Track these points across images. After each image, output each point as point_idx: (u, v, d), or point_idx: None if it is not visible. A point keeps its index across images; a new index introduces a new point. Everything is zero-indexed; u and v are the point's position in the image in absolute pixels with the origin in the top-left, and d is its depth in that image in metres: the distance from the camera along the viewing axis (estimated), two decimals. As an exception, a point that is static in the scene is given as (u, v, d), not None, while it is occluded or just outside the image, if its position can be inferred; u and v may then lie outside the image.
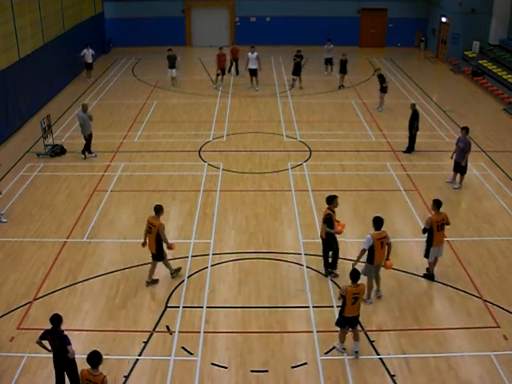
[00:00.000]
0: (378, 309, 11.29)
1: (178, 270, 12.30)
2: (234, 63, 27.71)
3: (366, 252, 11.14)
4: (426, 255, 12.07)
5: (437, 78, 28.90)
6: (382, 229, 11.12)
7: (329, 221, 11.73)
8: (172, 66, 25.54)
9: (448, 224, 12.03)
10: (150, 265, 11.98)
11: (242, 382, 9.52)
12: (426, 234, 11.87)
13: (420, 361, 9.96)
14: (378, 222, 11.10)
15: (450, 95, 25.67)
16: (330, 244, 12.07)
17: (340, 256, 12.79)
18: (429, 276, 12.22)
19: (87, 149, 18.22)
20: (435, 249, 11.92)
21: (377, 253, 11.06)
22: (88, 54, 26.89)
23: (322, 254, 12.33)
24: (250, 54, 25.31)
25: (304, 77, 26.48)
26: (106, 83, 27.17)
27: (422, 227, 12.20)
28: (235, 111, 23.06)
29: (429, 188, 16.28)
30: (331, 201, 11.86)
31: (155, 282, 12.00)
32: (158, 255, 11.78)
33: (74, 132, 20.56)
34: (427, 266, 12.25)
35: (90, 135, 18.17)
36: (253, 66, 25.28)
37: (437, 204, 11.85)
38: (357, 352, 10.04)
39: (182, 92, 25.64)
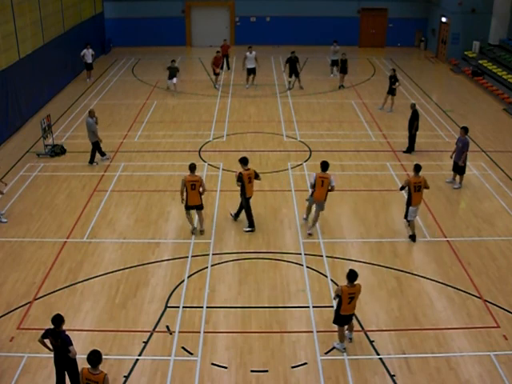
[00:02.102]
0: (378, 309, 11.29)
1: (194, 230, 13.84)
2: (224, 59, 28.14)
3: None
4: (406, 216, 13.60)
5: (437, 78, 28.91)
6: (327, 172, 13.45)
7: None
8: (172, 76, 24.85)
9: (427, 187, 13.60)
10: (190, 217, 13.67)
11: (242, 382, 9.52)
12: (406, 197, 13.60)
13: (420, 361, 9.97)
14: (323, 165, 13.45)
15: (449, 95, 25.67)
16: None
17: (340, 256, 12.90)
18: (412, 237, 13.59)
19: (100, 152, 17.88)
20: (414, 209, 13.43)
21: (317, 189, 13.37)
22: (88, 54, 26.85)
23: (246, 212, 14.01)
24: (248, 53, 25.64)
25: (304, 76, 26.48)
26: (106, 83, 27.16)
27: (401, 185, 13.85)
28: (235, 111, 23.06)
29: (429, 188, 16.26)
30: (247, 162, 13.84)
31: (202, 232, 13.82)
32: (201, 204, 13.66)
33: (74, 132, 20.57)
34: (411, 231, 13.64)
35: (97, 141, 17.80)
36: (252, 65, 25.68)
37: (416, 168, 13.50)
38: (351, 338, 10.35)
39: (182, 92, 25.63)
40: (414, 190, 13.33)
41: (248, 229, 13.99)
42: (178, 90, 25.28)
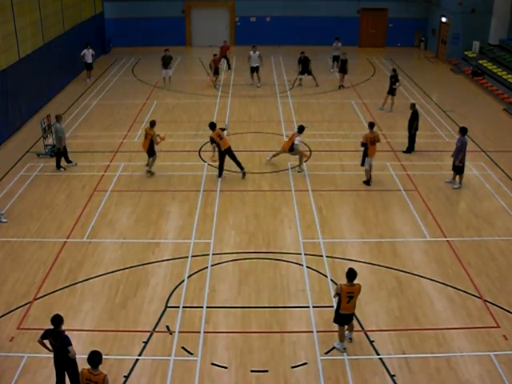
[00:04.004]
0: (378, 309, 11.30)
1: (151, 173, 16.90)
2: (224, 60, 28.60)
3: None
4: (362, 164, 16.26)
5: (437, 78, 28.90)
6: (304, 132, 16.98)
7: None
8: (167, 65, 25.81)
9: (378, 141, 16.31)
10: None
11: (242, 382, 9.52)
12: (363, 150, 16.12)
13: (420, 361, 9.97)
14: (300, 128, 16.83)
15: (449, 95, 25.66)
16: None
17: (340, 256, 12.91)
18: (367, 182, 16.34)
19: (66, 159, 17.55)
20: (369, 159, 16.05)
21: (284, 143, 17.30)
22: (88, 54, 26.87)
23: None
24: (251, 52, 25.98)
25: (305, 76, 26.45)
26: (106, 83, 27.16)
27: (361, 142, 16.16)
28: (235, 111, 23.06)
29: (429, 188, 16.29)
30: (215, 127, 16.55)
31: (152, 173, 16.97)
32: (151, 153, 16.85)
33: (74, 132, 20.57)
34: (365, 177, 16.43)
35: (65, 146, 17.47)
36: (255, 64, 26.07)
37: (370, 124, 16.35)
38: (351, 338, 10.35)
39: (182, 92, 25.64)
40: (371, 143, 15.91)
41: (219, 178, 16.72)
42: (177, 86, 25.38)
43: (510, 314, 11.14)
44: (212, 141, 16.64)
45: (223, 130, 17.28)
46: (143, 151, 17.79)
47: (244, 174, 16.80)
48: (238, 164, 16.76)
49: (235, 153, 16.79)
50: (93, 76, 27.68)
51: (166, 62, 25.76)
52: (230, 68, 29.32)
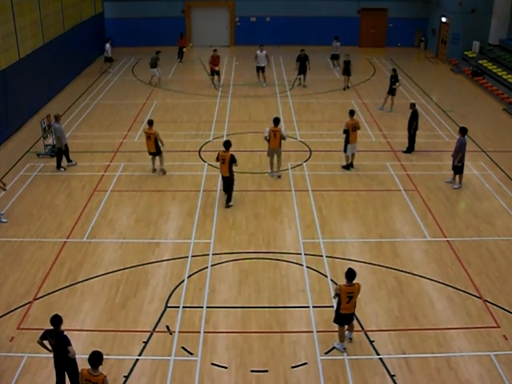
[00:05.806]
0: (378, 309, 11.30)
1: (163, 171, 17.07)
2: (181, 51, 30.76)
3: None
4: (345, 150, 17.04)
5: (437, 78, 28.89)
6: (279, 126, 16.42)
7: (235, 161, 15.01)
8: (154, 65, 26.29)
9: (359, 128, 17.09)
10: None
11: (242, 382, 9.53)
12: (345, 135, 16.84)
13: (420, 361, 9.97)
14: (275, 121, 16.34)
15: (449, 95, 25.66)
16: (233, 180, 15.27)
17: (340, 256, 12.91)
18: (347, 167, 17.18)
19: (67, 158, 17.57)
20: (351, 145, 16.87)
21: (271, 140, 16.32)
22: (109, 48, 28.11)
23: (230, 189, 15.20)
24: (258, 52, 26.16)
25: (302, 75, 26.46)
26: (106, 83, 27.17)
27: (343, 129, 16.88)
28: (235, 111, 23.06)
29: (429, 188, 16.29)
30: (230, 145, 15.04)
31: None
32: (158, 151, 16.84)
33: (74, 132, 20.58)
34: (345, 162, 17.32)
35: (66, 145, 17.50)
36: (262, 63, 26.34)
37: (351, 112, 17.06)
38: (351, 338, 10.36)
39: (182, 92, 25.64)
40: (352, 130, 16.70)
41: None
42: (177, 87, 25.42)
43: (510, 314, 11.14)
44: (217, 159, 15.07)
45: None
46: (145, 152, 17.83)
47: (228, 206, 15.15)
48: (229, 196, 15.22)
49: (237, 154, 16.73)
50: (111, 68, 29.12)
51: (153, 64, 26.19)
52: (181, 60, 30.79)
